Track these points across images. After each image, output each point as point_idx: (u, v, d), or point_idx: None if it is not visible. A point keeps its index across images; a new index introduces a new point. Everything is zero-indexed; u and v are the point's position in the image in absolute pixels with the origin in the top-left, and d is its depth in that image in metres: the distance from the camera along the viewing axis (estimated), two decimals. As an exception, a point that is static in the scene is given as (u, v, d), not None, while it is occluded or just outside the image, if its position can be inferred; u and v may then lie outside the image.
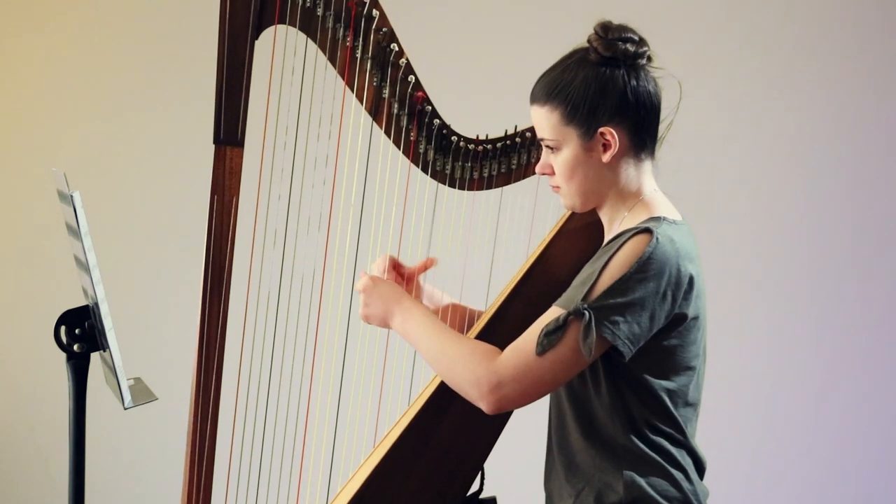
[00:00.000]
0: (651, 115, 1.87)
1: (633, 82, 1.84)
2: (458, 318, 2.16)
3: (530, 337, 1.78)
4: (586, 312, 1.73)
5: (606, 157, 1.85)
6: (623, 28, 1.87)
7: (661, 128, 1.92)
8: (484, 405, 1.80)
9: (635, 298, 1.74)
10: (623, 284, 1.74)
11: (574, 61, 1.86)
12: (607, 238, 1.92)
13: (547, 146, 1.89)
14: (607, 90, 1.83)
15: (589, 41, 1.87)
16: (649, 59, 1.88)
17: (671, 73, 1.90)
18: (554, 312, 1.78)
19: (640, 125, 1.85)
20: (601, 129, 1.83)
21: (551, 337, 1.75)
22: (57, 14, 3.76)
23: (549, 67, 1.89)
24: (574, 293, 1.78)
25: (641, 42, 1.87)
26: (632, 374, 1.82)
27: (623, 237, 1.79)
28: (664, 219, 1.83)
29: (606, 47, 1.84)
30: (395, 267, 2.12)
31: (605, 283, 1.75)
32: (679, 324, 1.81)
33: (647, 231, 1.77)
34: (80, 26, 3.77)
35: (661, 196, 1.91)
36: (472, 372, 1.80)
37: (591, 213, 1.96)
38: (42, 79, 3.79)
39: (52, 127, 3.78)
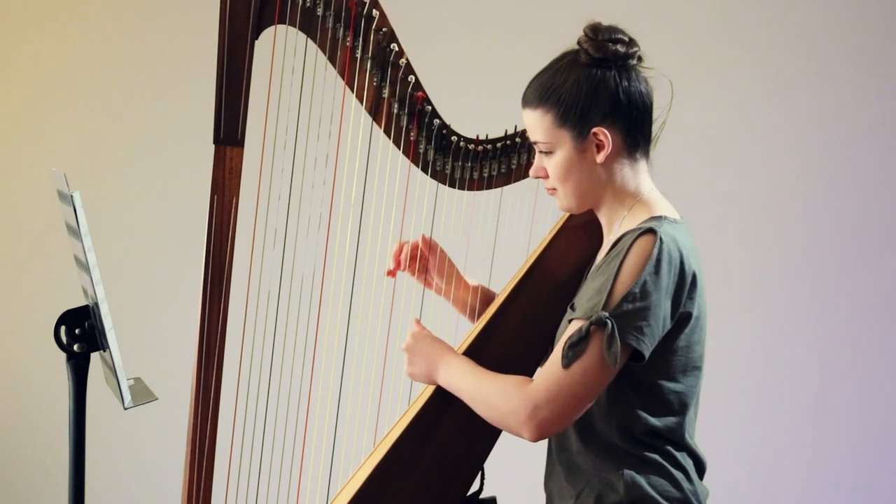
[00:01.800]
0: (644, 114, 1.87)
1: (625, 83, 1.85)
2: (484, 298, 2.18)
3: (556, 357, 1.77)
4: (608, 321, 1.73)
5: (600, 158, 1.85)
6: (613, 29, 1.87)
7: (655, 127, 1.92)
8: (526, 433, 1.79)
9: (652, 301, 1.74)
10: (639, 289, 1.74)
11: (565, 63, 1.87)
12: (607, 239, 1.92)
13: (540, 149, 1.89)
14: (599, 91, 1.83)
15: (579, 43, 1.87)
16: (640, 59, 1.88)
17: (662, 73, 1.90)
18: (575, 325, 1.77)
19: (633, 125, 1.86)
20: (594, 130, 1.84)
21: (576, 348, 1.74)
22: (57, 14, 3.76)
23: (539, 71, 1.90)
24: (592, 303, 1.77)
25: (631, 42, 1.87)
26: (639, 378, 1.82)
27: (627, 239, 1.79)
28: (665, 218, 1.83)
29: (597, 48, 1.84)
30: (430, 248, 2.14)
31: (621, 289, 1.75)
32: (685, 323, 1.82)
33: (651, 231, 1.77)
34: (79, 26, 3.77)
35: (660, 195, 1.91)
36: (508, 402, 1.80)
37: (590, 212, 1.96)
38: (42, 79, 3.78)
39: (52, 127, 3.78)
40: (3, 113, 3.80)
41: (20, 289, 3.81)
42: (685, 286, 1.79)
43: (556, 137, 1.86)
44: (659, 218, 1.83)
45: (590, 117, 1.83)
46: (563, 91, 1.84)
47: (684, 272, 1.78)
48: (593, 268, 1.92)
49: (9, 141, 3.80)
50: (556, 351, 1.78)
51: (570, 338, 1.75)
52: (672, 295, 1.77)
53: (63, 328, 1.84)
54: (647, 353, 1.76)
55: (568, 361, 1.74)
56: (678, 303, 1.79)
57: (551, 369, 1.77)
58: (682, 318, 1.81)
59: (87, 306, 1.85)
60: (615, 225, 1.90)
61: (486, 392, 1.85)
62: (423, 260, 2.15)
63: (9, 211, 3.81)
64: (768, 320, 3.68)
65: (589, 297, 1.78)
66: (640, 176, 1.90)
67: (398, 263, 2.16)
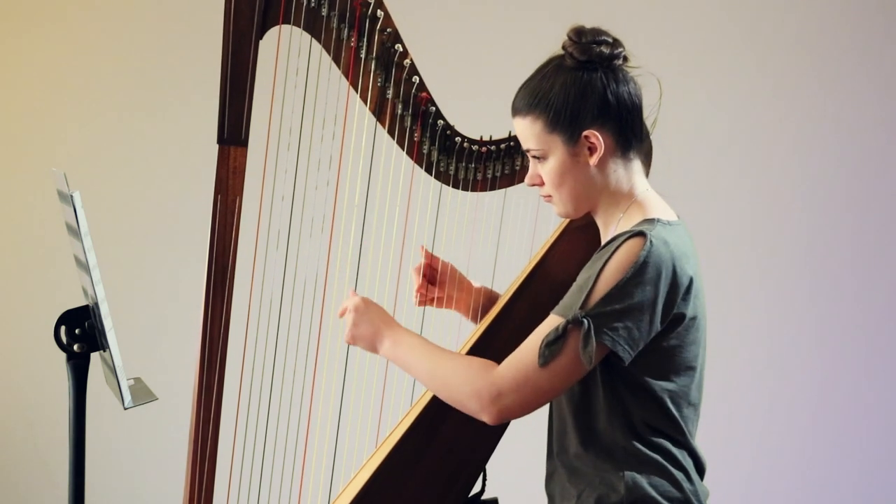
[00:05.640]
0: (633, 114, 1.87)
1: (612, 83, 1.85)
2: (487, 299, 2.18)
3: (530, 347, 1.78)
4: (585, 321, 1.73)
5: (593, 161, 1.85)
6: (596, 31, 1.87)
7: (647, 125, 1.92)
8: (486, 416, 1.80)
9: (633, 304, 1.74)
10: (620, 290, 1.74)
11: (551, 68, 1.87)
12: (604, 241, 1.92)
13: (533, 156, 1.89)
14: (587, 94, 1.84)
15: (564, 47, 1.88)
16: (625, 59, 1.88)
17: (649, 72, 1.90)
18: (552, 321, 1.78)
19: (624, 125, 1.86)
20: (585, 133, 1.84)
21: (552, 347, 1.75)
22: (58, 13, 3.76)
23: (527, 78, 1.90)
24: (572, 300, 1.78)
25: (616, 43, 1.88)
26: (631, 376, 1.82)
27: (617, 241, 1.79)
28: (658, 220, 1.83)
29: (582, 51, 1.85)
30: (432, 264, 2.16)
31: (601, 289, 1.75)
32: (678, 324, 1.81)
33: (641, 234, 1.77)
34: (81, 26, 3.76)
35: (655, 196, 1.91)
36: (471, 384, 1.80)
37: (591, 214, 1.96)
38: (42, 79, 3.78)
39: (52, 127, 3.78)
40: (3, 113, 3.79)
41: (20, 289, 3.81)
42: (678, 289, 1.78)
43: (548, 143, 1.86)
44: (652, 221, 1.82)
45: (579, 121, 1.84)
46: (550, 96, 1.84)
47: (676, 275, 1.78)
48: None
49: (9, 141, 3.79)
50: (530, 343, 1.79)
51: (547, 336, 1.76)
52: (660, 298, 1.77)
53: (63, 328, 1.84)
54: (624, 356, 1.76)
55: (545, 360, 1.75)
56: (670, 306, 1.78)
57: (523, 360, 1.78)
58: (675, 320, 1.81)
59: (87, 306, 1.85)
60: (611, 227, 1.90)
61: (444, 370, 1.85)
62: (427, 273, 2.16)
63: (9, 211, 3.80)
64: (768, 320, 3.68)
65: (569, 294, 1.79)
66: (634, 176, 1.90)
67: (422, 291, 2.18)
